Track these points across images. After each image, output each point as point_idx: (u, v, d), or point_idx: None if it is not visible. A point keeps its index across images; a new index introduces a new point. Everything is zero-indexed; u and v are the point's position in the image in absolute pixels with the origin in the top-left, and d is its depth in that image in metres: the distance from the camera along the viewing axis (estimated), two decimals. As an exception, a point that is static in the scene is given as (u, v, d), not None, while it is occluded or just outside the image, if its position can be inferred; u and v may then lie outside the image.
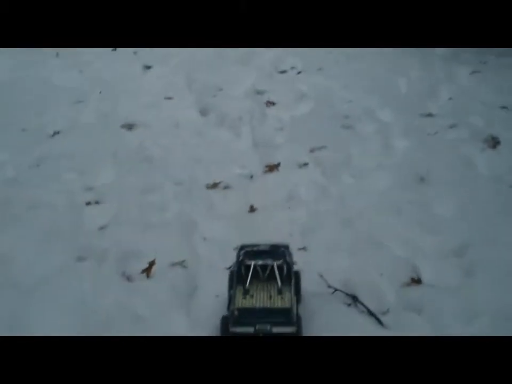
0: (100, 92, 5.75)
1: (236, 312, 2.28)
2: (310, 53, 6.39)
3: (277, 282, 2.37)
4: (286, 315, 2.28)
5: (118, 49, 7.07)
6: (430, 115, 4.78)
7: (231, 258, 2.77)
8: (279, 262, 2.39)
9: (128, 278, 3.17)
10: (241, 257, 2.46)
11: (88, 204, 3.87)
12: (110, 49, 6.97)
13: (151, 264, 3.21)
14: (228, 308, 2.43)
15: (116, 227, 3.59)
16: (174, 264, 3.22)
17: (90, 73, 6.24)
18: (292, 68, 6.20)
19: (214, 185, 4.03)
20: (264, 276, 2.42)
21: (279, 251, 2.45)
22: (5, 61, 6.11)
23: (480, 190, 3.61)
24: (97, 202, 3.89)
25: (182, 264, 3.22)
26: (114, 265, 3.25)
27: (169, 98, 5.61)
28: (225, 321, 2.34)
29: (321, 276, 2.94)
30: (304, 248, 3.27)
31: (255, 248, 2.46)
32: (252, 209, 3.63)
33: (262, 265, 2.40)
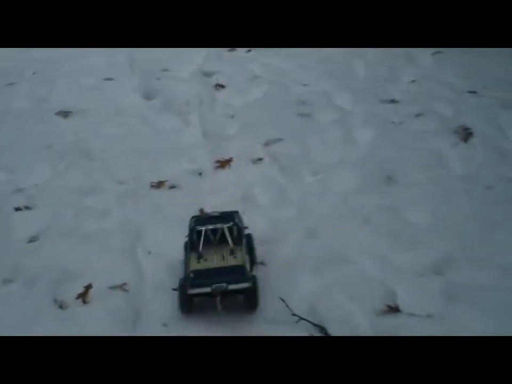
0: (34, 73, 5.14)
1: (191, 275, 2.30)
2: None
3: (229, 244, 2.42)
4: (240, 272, 2.34)
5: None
6: (392, 101, 4.34)
7: (178, 276, 2.55)
8: (229, 224, 2.42)
9: (62, 305, 2.69)
10: (192, 225, 2.47)
11: (17, 209, 3.35)
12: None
13: (88, 287, 2.74)
14: (185, 273, 2.44)
15: (48, 239, 3.09)
16: (114, 287, 2.75)
17: (24, 51, 5.60)
18: (242, 45, 5.67)
19: (160, 184, 3.55)
20: (215, 240, 2.46)
21: (228, 214, 2.48)
22: None
23: (454, 193, 3.19)
24: (27, 208, 3.37)
25: (123, 287, 2.74)
26: (46, 289, 2.76)
27: (110, 79, 5.06)
28: (182, 284, 2.37)
29: (283, 300, 2.53)
30: (262, 263, 2.82)
31: (205, 216, 2.54)
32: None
33: (213, 230, 2.43)
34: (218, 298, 2.33)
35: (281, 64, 5.16)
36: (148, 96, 4.73)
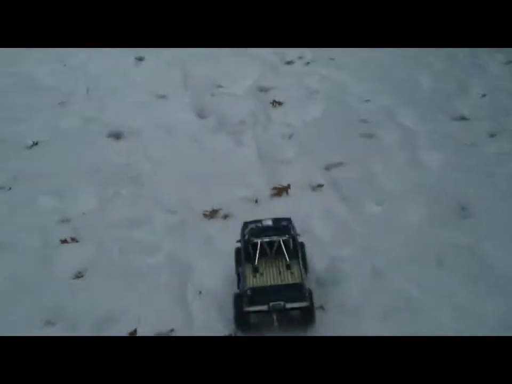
0: (88, 91, 4.94)
1: (249, 292, 2.23)
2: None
3: (285, 258, 2.34)
4: (298, 290, 2.26)
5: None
6: (462, 118, 3.98)
7: (231, 320, 2.39)
8: (285, 237, 2.35)
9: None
10: (246, 236, 2.38)
11: (63, 241, 3.13)
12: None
13: (132, 334, 2.46)
14: (238, 286, 2.40)
15: (92, 277, 2.87)
16: (160, 334, 2.47)
17: (75, 67, 5.43)
18: (300, 57, 5.38)
19: (213, 213, 3.27)
20: (271, 253, 2.37)
21: (283, 226, 2.39)
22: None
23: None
24: (74, 240, 3.17)
25: (169, 334, 2.47)
26: (88, 333, 2.50)
27: (163, 96, 4.81)
28: (239, 301, 2.29)
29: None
30: (322, 307, 2.51)
31: (259, 224, 2.40)
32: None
33: (269, 242, 2.35)
34: (274, 316, 2.27)
35: (340, 76, 4.85)
36: (201, 114, 4.48)
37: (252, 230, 2.42)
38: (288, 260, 2.35)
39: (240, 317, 2.31)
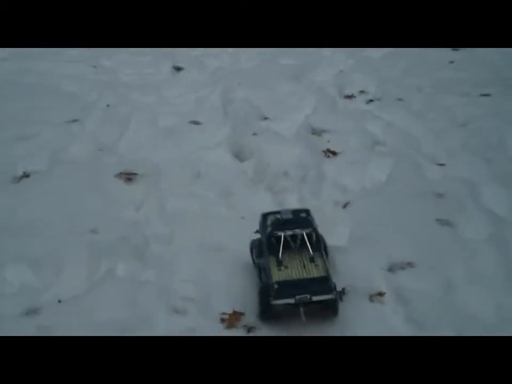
0: (108, 106, 3.99)
1: (275, 286, 2.15)
2: (384, 70, 4.55)
3: (308, 251, 2.27)
4: (324, 283, 2.19)
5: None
6: None
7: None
8: (308, 230, 2.27)
9: None
10: (269, 229, 2.26)
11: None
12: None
13: None
14: (260, 278, 2.29)
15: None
16: None
17: (106, 70, 4.51)
18: (361, 91, 4.36)
19: (233, 319, 2.31)
20: (295, 246, 2.29)
21: (304, 218, 2.31)
22: None
23: None
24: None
25: None
26: None
27: (196, 123, 3.85)
28: (265, 295, 2.18)
29: None
30: None
31: (278, 216, 2.31)
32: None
33: (292, 235, 2.26)
34: (301, 308, 2.15)
35: (409, 125, 3.82)
36: (238, 155, 3.53)
37: (274, 222, 2.29)
38: (311, 252, 2.27)
39: (266, 310, 2.20)
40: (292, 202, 3.03)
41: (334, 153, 3.50)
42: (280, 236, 2.26)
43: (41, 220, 2.76)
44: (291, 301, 2.15)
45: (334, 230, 2.81)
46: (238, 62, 4.98)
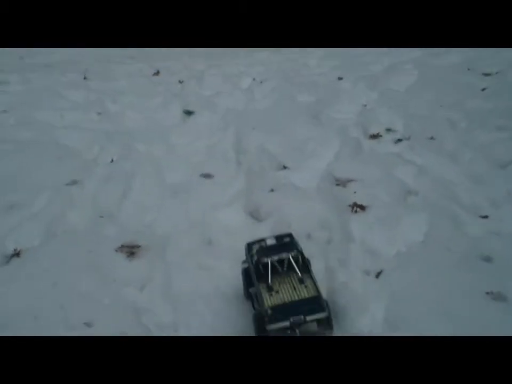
0: (112, 161, 3.61)
1: (269, 311, 2.13)
2: (411, 103, 4.12)
3: (296, 273, 2.26)
4: (316, 302, 2.17)
5: (156, 79, 5.02)
6: None
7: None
8: (293, 253, 2.26)
9: None
10: (255, 257, 2.26)
11: None
12: (146, 78, 4.96)
13: None
14: (253, 306, 2.28)
15: None
16: None
17: (110, 116, 4.16)
18: (388, 129, 3.92)
19: None
20: (283, 270, 2.27)
21: (288, 242, 2.30)
22: None
23: None
24: None
25: None
26: None
27: (207, 176, 3.45)
28: (260, 320, 2.15)
29: None
30: None
31: (263, 244, 2.31)
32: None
33: (279, 260, 2.25)
34: (297, 330, 2.10)
35: (445, 170, 3.37)
36: (254, 214, 3.13)
37: (259, 250, 2.28)
38: (300, 274, 2.26)
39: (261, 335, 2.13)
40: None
41: (362, 207, 3.06)
42: (267, 262, 2.24)
43: (30, 312, 2.36)
44: (286, 324, 2.12)
45: (366, 308, 2.36)
46: (252, 101, 4.59)
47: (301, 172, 3.45)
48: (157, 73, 5.51)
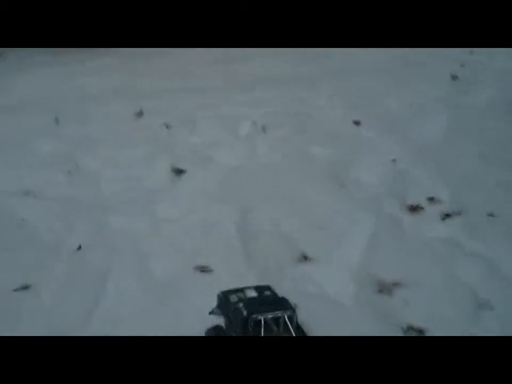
0: (79, 248, 2.68)
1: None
2: (451, 158, 3.25)
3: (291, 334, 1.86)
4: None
5: (139, 121, 4.14)
6: None
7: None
8: (289, 312, 1.87)
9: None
10: (243, 312, 1.83)
11: None
12: (127, 121, 4.09)
13: None
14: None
15: None
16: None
17: (79, 181, 3.25)
18: (430, 198, 3.10)
19: None
20: (279, 331, 1.85)
21: (280, 299, 1.94)
22: None
23: None
24: None
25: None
26: None
27: (204, 269, 2.56)
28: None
29: None
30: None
31: (242, 295, 1.93)
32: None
33: (274, 318, 1.86)
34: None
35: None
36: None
37: (245, 302, 1.88)
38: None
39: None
40: None
41: (421, 331, 2.13)
42: (260, 321, 1.85)
43: None
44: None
45: None
46: (255, 154, 3.67)
47: (328, 266, 2.56)
48: (140, 113, 4.57)
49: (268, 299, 1.96)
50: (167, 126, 4.37)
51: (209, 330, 1.98)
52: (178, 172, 3.52)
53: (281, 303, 1.94)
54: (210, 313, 1.96)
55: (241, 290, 1.97)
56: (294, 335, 1.85)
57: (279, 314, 1.89)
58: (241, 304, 1.91)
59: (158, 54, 5.87)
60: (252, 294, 1.96)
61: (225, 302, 1.93)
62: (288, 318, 1.90)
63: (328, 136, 3.94)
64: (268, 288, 2.00)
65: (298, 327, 1.89)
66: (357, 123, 4.28)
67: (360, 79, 5.10)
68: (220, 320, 1.93)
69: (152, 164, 3.69)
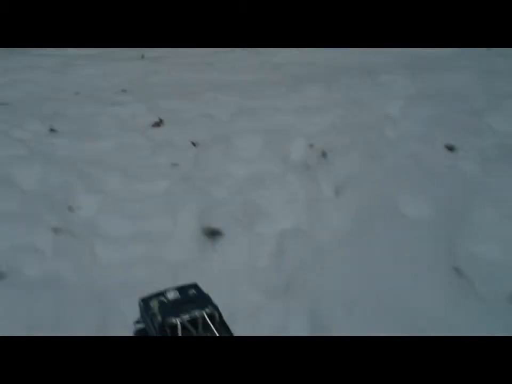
0: None
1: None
2: None
3: (213, 333, 1.65)
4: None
5: (156, 135, 3.02)
6: None
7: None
8: (209, 309, 1.65)
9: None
10: (159, 317, 1.61)
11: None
12: (141, 134, 3.02)
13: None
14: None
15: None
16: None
17: (70, 239, 2.17)
18: None
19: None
20: (198, 332, 1.65)
21: (199, 296, 1.70)
22: None
23: None
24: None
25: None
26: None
27: None
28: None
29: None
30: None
31: (163, 299, 1.70)
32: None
33: (191, 320, 1.63)
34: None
35: None
36: None
37: (161, 306, 1.67)
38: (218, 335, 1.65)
39: None
40: None
41: None
42: (176, 324, 1.57)
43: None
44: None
45: None
46: (319, 212, 2.55)
47: None
48: (159, 123, 3.40)
49: (189, 299, 1.71)
50: (195, 144, 3.20)
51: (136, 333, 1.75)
52: (212, 233, 2.36)
53: (203, 301, 1.69)
54: (135, 322, 1.73)
55: (162, 293, 1.72)
56: (217, 334, 1.62)
57: (197, 314, 1.64)
58: (156, 309, 1.68)
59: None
60: (174, 295, 1.72)
61: (145, 308, 1.68)
62: (208, 316, 1.65)
63: (415, 174, 2.74)
64: (193, 286, 1.75)
65: (222, 325, 1.63)
66: (450, 148, 3.07)
67: (446, 75, 3.87)
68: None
69: (174, 214, 2.53)
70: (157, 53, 4.93)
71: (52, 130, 3.39)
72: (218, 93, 4.09)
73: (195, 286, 1.80)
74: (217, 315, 1.71)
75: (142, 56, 4.77)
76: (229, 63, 4.99)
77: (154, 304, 1.76)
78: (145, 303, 1.76)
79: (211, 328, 1.69)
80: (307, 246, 2.34)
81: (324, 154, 3.06)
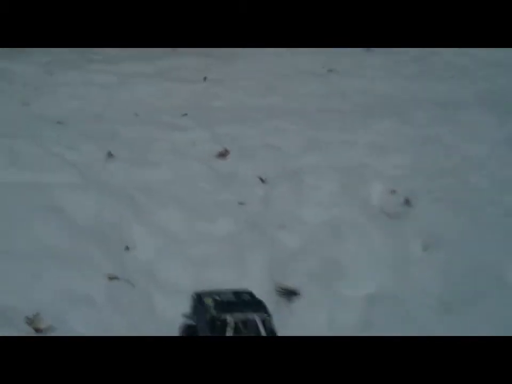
0: None
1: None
2: None
3: None
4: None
5: (221, 167, 2.75)
6: None
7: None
8: (264, 315, 1.42)
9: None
10: (215, 311, 1.44)
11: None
12: (204, 165, 2.72)
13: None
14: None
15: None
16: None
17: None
18: None
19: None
20: (249, 333, 1.45)
21: (254, 301, 1.49)
22: None
23: None
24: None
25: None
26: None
27: None
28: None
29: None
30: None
31: (216, 297, 1.49)
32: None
33: (244, 321, 1.44)
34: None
35: None
36: None
37: (215, 303, 1.51)
38: None
39: None
40: None
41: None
42: (228, 321, 1.41)
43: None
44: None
45: None
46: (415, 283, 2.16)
47: None
48: (224, 153, 3.11)
49: (243, 301, 1.48)
50: (263, 180, 2.90)
51: (182, 330, 1.50)
52: (288, 294, 2.04)
53: (256, 306, 1.44)
54: (183, 315, 1.49)
55: (217, 293, 1.49)
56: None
57: (250, 317, 1.42)
58: (210, 304, 1.45)
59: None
60: (229, 296, 1.48)
61: (198, 302, 1.46)
62: (262, 321, 1.41)
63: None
64: (247, 293, 1.50)
65: (271, 333, 1.39)
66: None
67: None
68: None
69: (241, 264, 2.22)
70: (218, 75, 4.66)
71: (110, 155, 3.14)
72: (282, 120, 3.79)
73: (250, 293, 1.65)
74: (269, 322, 1.54)
75: (205, 79, 4.48)
76: (291, 89, 4.70)
77: (208, 300, 1.59)
78: (198, 297, 1.61)
79: (260, 333, 1.53)
80: (396, 315, 2.00)
81: (407, 202, 2.71)
